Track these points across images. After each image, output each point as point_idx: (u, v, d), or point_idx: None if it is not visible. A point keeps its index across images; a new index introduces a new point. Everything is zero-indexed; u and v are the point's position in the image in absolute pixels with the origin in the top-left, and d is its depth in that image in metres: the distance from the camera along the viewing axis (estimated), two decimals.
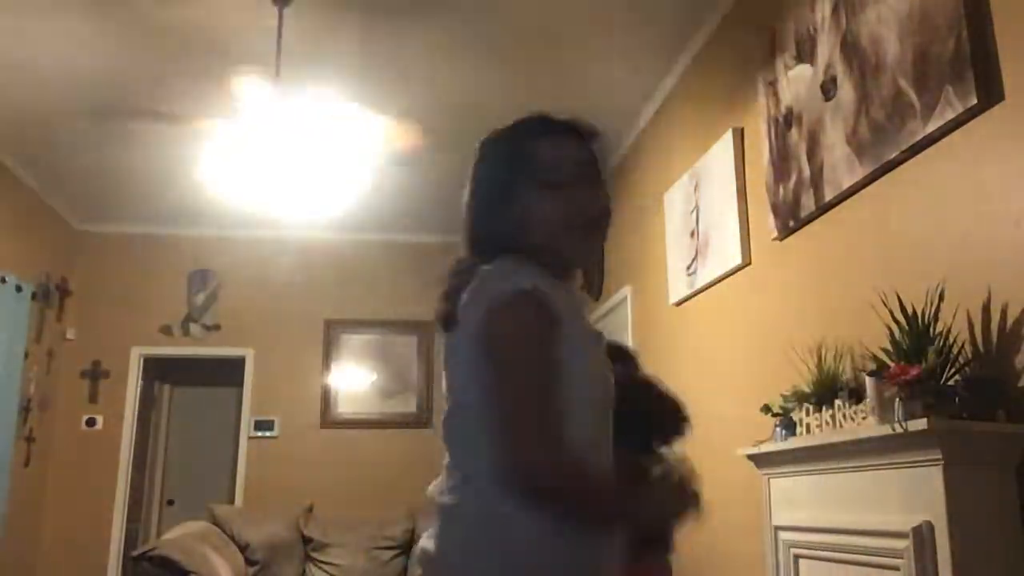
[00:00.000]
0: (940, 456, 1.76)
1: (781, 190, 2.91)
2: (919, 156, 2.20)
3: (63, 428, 6.12)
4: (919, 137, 2.15)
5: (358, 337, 6.51)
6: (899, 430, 1.81)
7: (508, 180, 1.30)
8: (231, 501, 6.15)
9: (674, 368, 3.92)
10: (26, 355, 5.49)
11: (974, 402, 1.83)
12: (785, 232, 2.91)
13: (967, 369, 1.91)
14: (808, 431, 2.36)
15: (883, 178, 2.36)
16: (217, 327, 6.41)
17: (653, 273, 4.34)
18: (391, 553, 5.26)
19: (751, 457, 2.65)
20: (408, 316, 6.21)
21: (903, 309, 1.99)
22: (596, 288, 1.40)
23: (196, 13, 3.67)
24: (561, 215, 1.28)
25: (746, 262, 3.26)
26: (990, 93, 1.95)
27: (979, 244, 1.99)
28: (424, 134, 3.88)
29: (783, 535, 2.44)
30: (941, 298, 1.96)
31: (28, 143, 5.02)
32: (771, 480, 2.55)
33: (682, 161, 3.99)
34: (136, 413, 6.32)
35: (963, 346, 1.94)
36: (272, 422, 6.28)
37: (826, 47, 2.64)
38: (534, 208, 1.28)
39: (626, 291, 4.74)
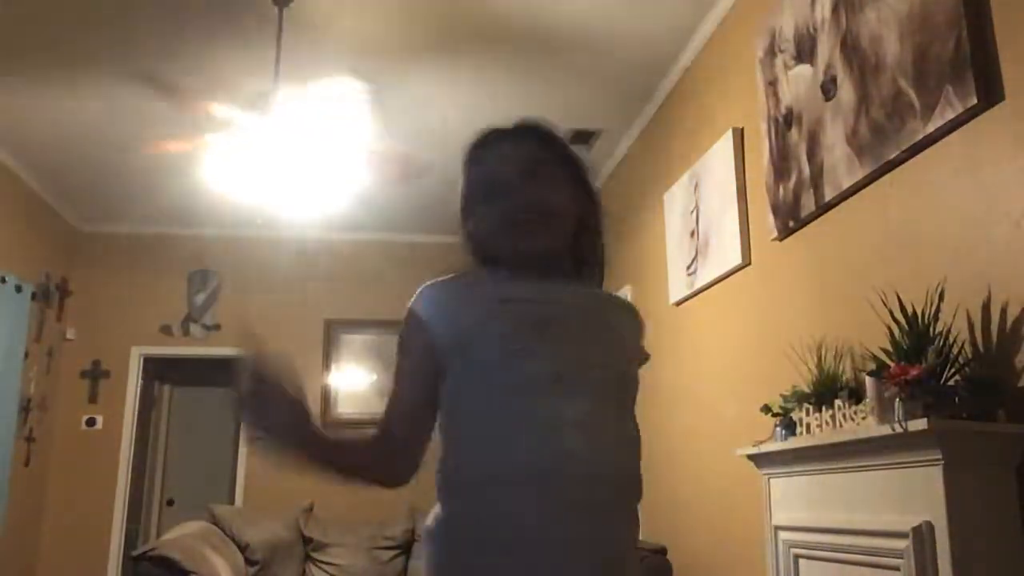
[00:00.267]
0: (940, 456, 1.76)
1: (781, 190, 2.91)
2: (919, 156, 2.20)
3: (63, 428, 6.11)
4: (919, 137, 2.15)
5: (358, 337, 6.50)
6: (899, 430, 1.81)
7: (463, 197, 1.37)
8: (231, 501, 6.13)
9: (674, 368, 3.92)
10: (26, 355, 5.48)
11: (974, 402, 1.83)
12: (785, 232, 2.91)
13: (967, 369, 1.91)
14: (808, 431, 2.36)
15: (883, 178, 2.35)
16: (217, 327, 6.41)
17: (653, 273, 4.34)
18: (391, 553, 5.25)
19: (751, 457, 2.65)
20: None
21: (903, 309, 1.99)
22: (596, 285, 1.40)
23: (196, 13, 3.67)
24: (496, 225, 1.32)
25: (746, 262, 3.26)
26: (990, 93, 1.95)
27: (979, 244, 1.99)
28: (424, 134, 3.87)
29: (783, 535, 2.44)
30: (941, 298, 1.96)
31: (28, 143, 5.02)
32: (771, 480, 2.55)
33: (682, 161, 3.99)
34: (136, 413, 6.32)
35: (963, 346, 1.94)
36: None
37: (826, 47, 2.64)
38: (477, 223, 1.35)
39: (626, 291, 4.74)
